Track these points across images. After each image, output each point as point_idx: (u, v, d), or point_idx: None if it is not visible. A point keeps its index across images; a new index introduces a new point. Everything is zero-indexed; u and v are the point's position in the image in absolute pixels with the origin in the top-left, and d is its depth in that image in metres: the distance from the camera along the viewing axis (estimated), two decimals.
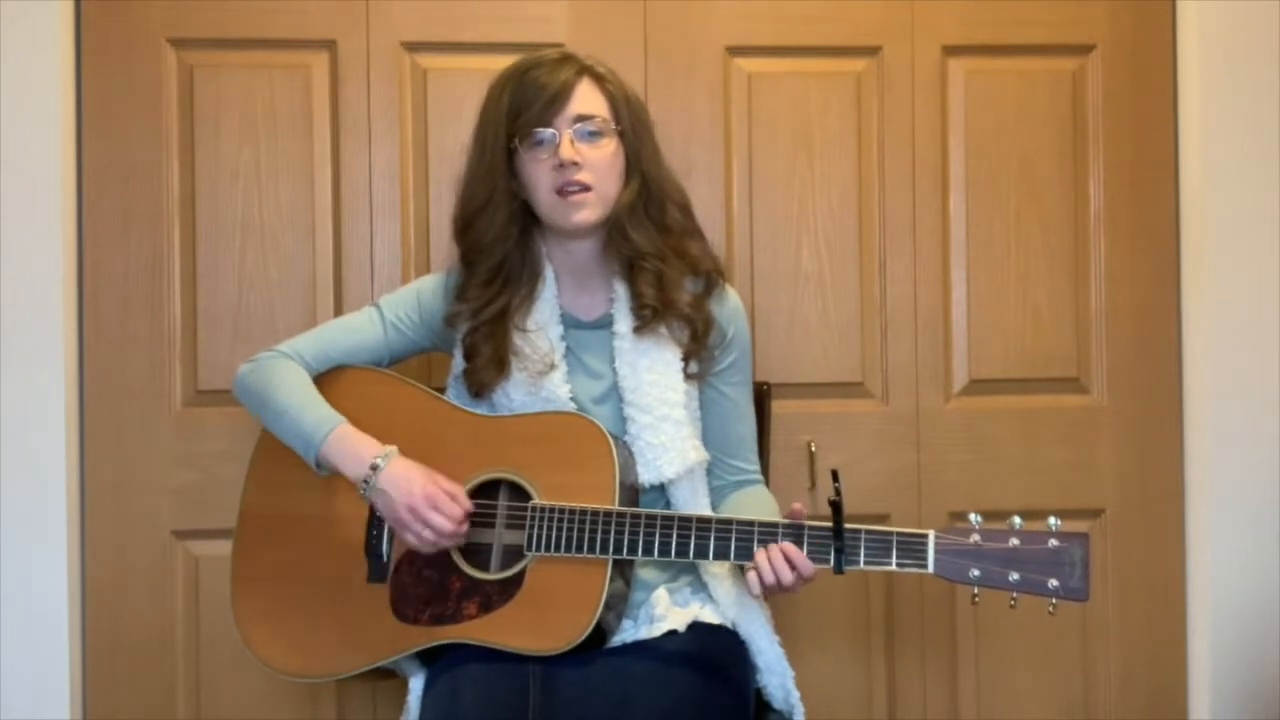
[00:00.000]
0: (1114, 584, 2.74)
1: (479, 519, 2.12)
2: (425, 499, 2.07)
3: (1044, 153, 2.74)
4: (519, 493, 2.12)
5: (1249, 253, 2.68)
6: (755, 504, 2.23)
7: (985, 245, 2.73)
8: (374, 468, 2.09)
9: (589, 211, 2.17)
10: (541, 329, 2.22)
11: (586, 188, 2.16)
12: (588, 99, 2.17)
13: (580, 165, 2.15)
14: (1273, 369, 2.68)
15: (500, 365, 2.20)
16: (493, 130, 2.19)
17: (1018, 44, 2.74)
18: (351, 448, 2.12)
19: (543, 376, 2.19)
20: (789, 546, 1.99)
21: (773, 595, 2.04)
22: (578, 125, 2.16)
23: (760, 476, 2.33)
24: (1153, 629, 2.75)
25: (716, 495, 2.28)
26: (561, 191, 2.15)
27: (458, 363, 2.27)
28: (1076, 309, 2.74)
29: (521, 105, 2.16)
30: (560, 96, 2.15)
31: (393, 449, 2.12)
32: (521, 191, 2.21)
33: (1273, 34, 2.67)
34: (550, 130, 2.15)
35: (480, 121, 2.23)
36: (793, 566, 1.98)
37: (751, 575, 2.00)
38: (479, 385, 2.21)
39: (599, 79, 2.20)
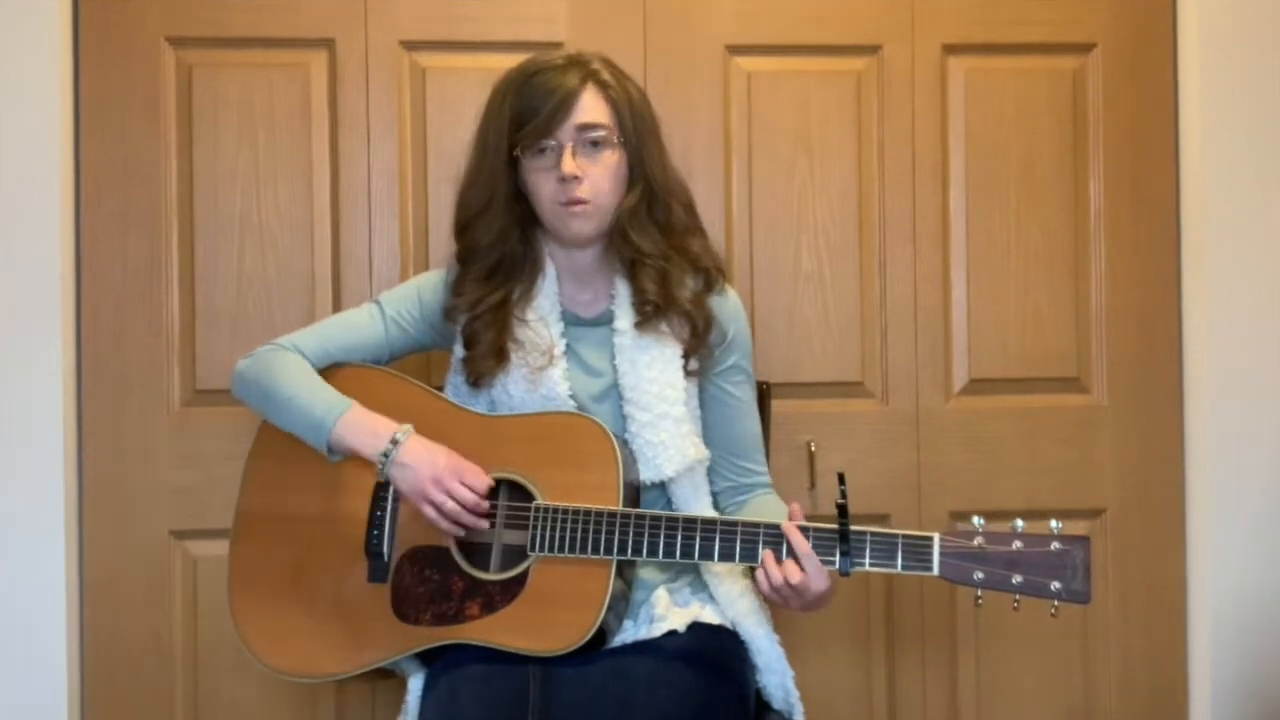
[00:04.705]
0: (1114, 584, 2.74)
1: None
2: (450, 470, 2.08)
3: (1044, 151, 2.74)
4: (520, 492, 2.11)
5: (1250, 251, 2.68)
6: (769, 513, 2.19)
7: (985, 244, 2.73)
8: (395, 441, 2.09)
9: (588, 223, 2.18)
10: (542, 320, 2.22)
11: (586, 201, 2.16)
12: (591, 108, 2.16)
13: (581, 180, 2.14)
14: (1274, 368, 2.68)
15: (500, 354, 2.20)
16: (494, 136, 2.19)
17: (1018, 42, 2.73)
18: (369, 425, 2.12)
19: (542, 372, 2.18)
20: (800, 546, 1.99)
21: (786, 607, 2.03)
22: (580, 136, 2.15)
23: (769, 481, 2.33)
24: (1153, 629, 2.75)
25: (725, 496, 2.28)
26: (562, 204, 2.16)
27: (457, 354, 2.26)
28: (1077, 308, 2.74)
29: (525, 114, 2.15)
30: (563, 106, 2.14)
31: (410, 426, 2.12)
32: (525, 193, 2.20)
33: (1274, 32, 2.67)
34: (553, 141, 2.15)
35: (482, 125, 2.23)
36: (799, 564, 1.98)
37: (759, 572, 2.00)
38: (478, 374, 2.21)
39: (603, 86, 2.18)
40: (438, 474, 2.07)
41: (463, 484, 2.07)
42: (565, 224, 2.18)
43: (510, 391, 2.19)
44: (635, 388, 2.18)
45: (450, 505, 2.07)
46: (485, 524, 2.10)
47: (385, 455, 2.10)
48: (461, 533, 2.10)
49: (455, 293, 2.25)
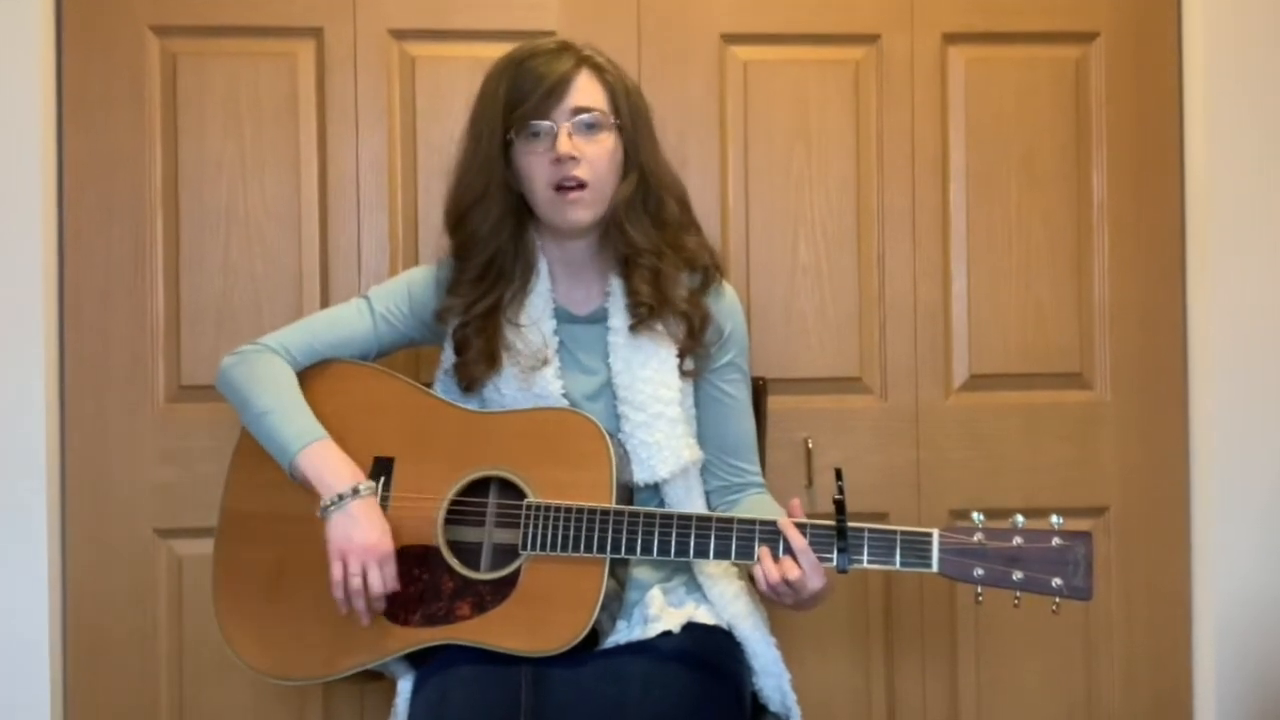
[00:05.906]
0: (1117, 582, 2.72)
1: (471, 518, 2.09)
2: (379, 554, 2.04)
3: (1046, 143, 2.71)
4: (511, 490, 2.09)
5: (1255, 245, 2.66)
6: (763, 512, 2.17)
7: (986, 238, 2.70)
8: (355, 490, 2.05)
9: (585, 211, 2.15)
10: (535, 324, 2.19)
11: (583, 184, 2.13)
12: (586, 91, 2.14)
13: (578, 160, 2.12)
14: (1278, 364, 2.65)
15: (491, 359, 2.17)
16: (488, 121, 2.16)
17: (1019, 31, 2.71)
18: (333, 465, 2.08)
19: (534, 372, 2.16)
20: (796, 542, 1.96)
21: (781, 604, 2.00)
22: (576, 118, 2.12)
23: (762, 480, 2.30)
24: (1156, 628, 2.73)
25: (716, 496, 2.25)
26: (559, 187, 2.13)
27: (448, 356, 2.24)
28: (1079, 303, 2.72)
29: (519, 97, 2.12)
30: (559, 88, 2.11)
31: (374, 484, 2.09)
32: (517, 184, 2.17)
33: (1279, 21, 2.65)
34: (548, 123, 2.12)
35: (475, 112, 2.20)
36: (796, 561, 1.95)
37: (757, 570, 1.98)
38: (469, 379, 2.19)
39: (598, 70, 2.16)
40: (368, 546, 2.03)
41: (382, 572, 2.04)
42: (561, 212, 2.14)
43: (502, 390, 2.17)
44: (629, 387, 2.16)
45: (355, 582, 2.03)
46: (367, 620, 2.06)
47: (340, 496, 2.04)
48: (345, 610, 2.06)
49: (450, 293, 2.22)
